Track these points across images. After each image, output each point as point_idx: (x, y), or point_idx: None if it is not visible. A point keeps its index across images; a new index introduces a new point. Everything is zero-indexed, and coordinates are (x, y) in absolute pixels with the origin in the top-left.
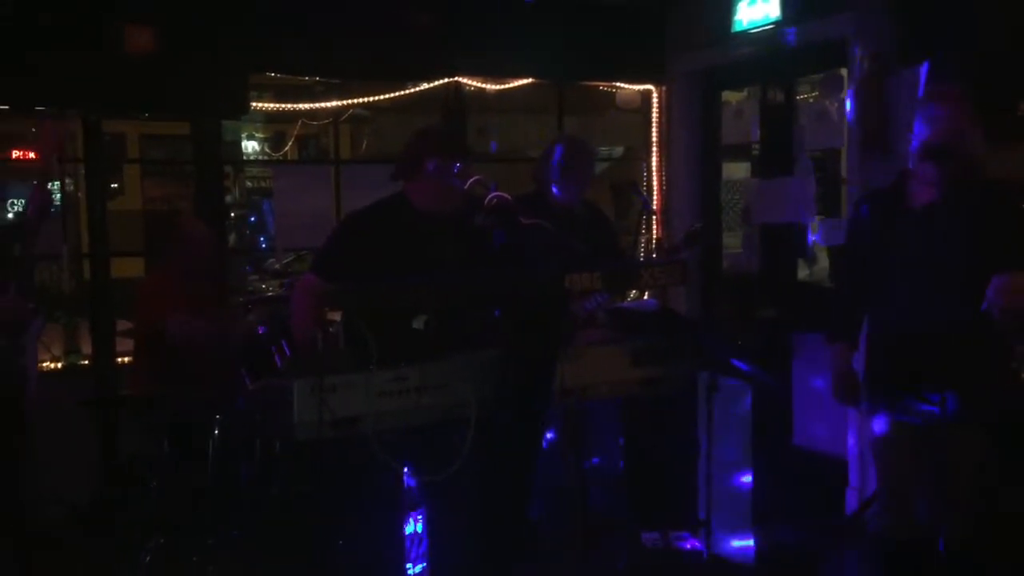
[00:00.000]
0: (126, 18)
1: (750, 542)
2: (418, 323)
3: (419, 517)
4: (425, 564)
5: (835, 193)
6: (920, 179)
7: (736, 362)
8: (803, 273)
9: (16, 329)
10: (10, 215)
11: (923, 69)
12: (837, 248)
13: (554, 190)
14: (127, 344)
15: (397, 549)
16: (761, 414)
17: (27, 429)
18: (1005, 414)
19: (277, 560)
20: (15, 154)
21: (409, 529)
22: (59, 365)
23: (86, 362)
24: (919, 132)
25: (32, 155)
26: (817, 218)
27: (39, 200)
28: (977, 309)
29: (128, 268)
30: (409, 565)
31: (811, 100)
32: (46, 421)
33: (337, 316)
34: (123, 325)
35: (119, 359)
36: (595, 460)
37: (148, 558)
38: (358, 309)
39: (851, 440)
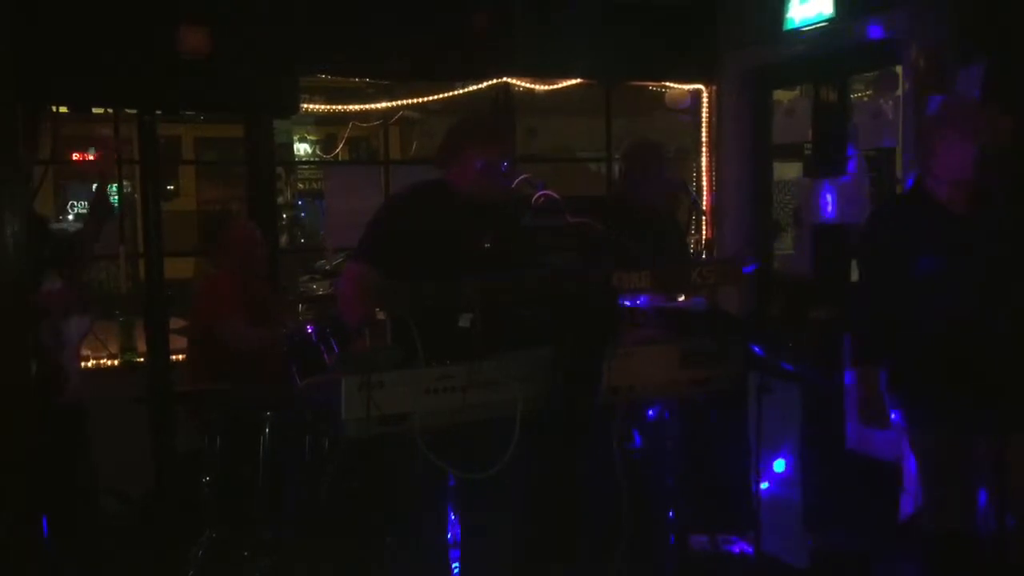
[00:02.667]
0: (180, 19)
1: (800, 546)
2: (464, 321)
3: (460, 516)
4: (461, 565)
5: (890, 193)
6: (963, 185)
7: (787, 364)
8: (856, 274)
9: (56, 317)
10: (71, 216)
11: (980, 67)
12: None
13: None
14: (181, 342)
15: (444, 546)
16: (812, 417)
17: (60, 429)
18: None
19: (326, 556)
20: (75, 156)
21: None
22: (115, 363)
23: (141, 360)
24: (968, 138)
25: (91, 157)
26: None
27: (100, 204)
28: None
29: (183, 268)
30: (456, 565)
31: (865, 98)
32: (102, 417)
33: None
34: (176, 323)
35: (173, 357)
36: (645, 460)
37: (200, 552)
38: (403, 307)
39: (906, 444)
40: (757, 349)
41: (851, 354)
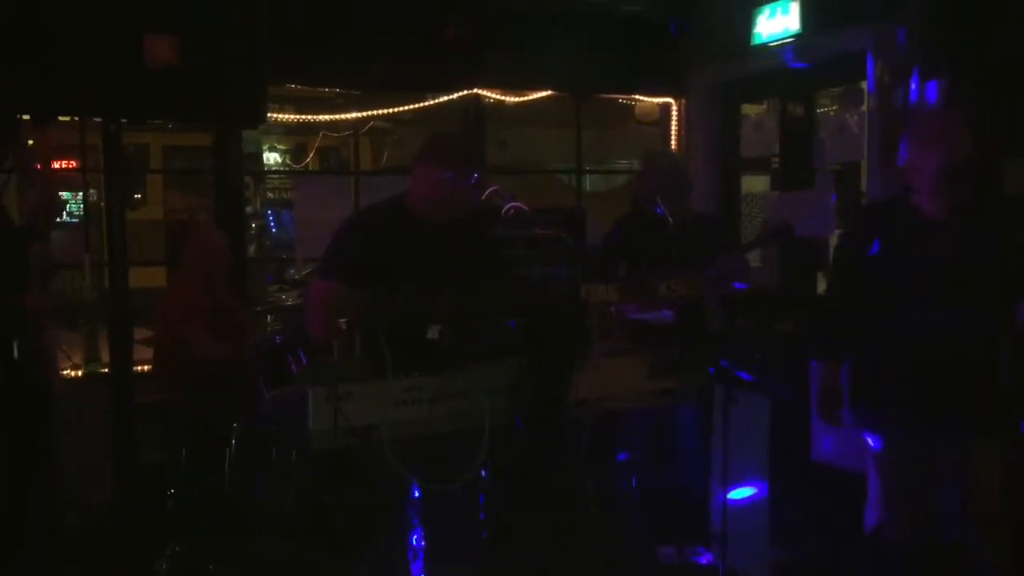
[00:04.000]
0: (146, 28)
1: (766, 557)
2: (433, 333)
3: (424, 529)
4: None
5: (855, 206)
6: (933, 194)
7: (753, 375)
8: (823, 287)
9: (48, 319)
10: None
11: (942, 83)
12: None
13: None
14: (145, 352)
15: (410, 560)
16: (779, 428)
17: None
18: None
19: (292, 568)
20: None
21: (420, 542)
22: (79, 373)
23: (106, 370)
24: (934, 149)
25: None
26: (837, 231)
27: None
28: (996, 325)
29: (150, 277)
30: None
31: (831, 113)
32: (66, 427)
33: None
34: (141, 333)
35: (137, 367)
36: (613, 472)
37: (165, 566)
38: (371, 319)
39: (871, 455)
40: (724, 361)
41: (813, 348)
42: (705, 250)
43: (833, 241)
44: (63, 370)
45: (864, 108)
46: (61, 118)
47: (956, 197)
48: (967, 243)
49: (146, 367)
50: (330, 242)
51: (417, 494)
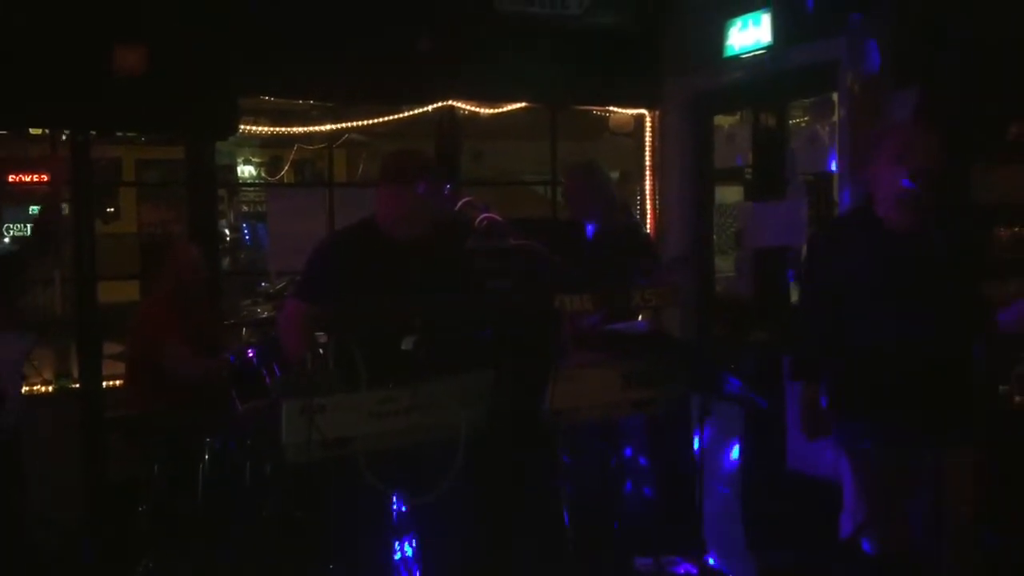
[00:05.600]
0: (116, 39)
1: (743, 566)
2: (407, 344)
3: (410, 542)
4: None
5: (827, 217)
6: (901, 205)
7: (729, 385)
8: (796, 296)
9: None
10: (6, 239)
11: (913, 94)
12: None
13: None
14: (115, 367)
15: (387, 570)
16: (754, 437)
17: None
18: (997, 437)
19: None
20: (11, 178)
21: (398, 555)
22: (50, 389)
23: (77, 385)
24: (902, 159)
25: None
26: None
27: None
28: (962, 332)
29: (123, 291)
30: None
31: (803, 124)
32: (36, 444)
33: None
34: (111, 348)
35: (108, 383)
36: (588, 482)
37: None
38: (346, 331)
39: (845, 464)
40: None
41: (790, 370)
42: (624, 262)
43: (805, 251)
44: (33, 385)
45: (835, 119)
46: (31, 130)
47: (922, 208)
48: (932, 253)
49: (117, 382)
50: (305, 265)
51: (402, 505)
